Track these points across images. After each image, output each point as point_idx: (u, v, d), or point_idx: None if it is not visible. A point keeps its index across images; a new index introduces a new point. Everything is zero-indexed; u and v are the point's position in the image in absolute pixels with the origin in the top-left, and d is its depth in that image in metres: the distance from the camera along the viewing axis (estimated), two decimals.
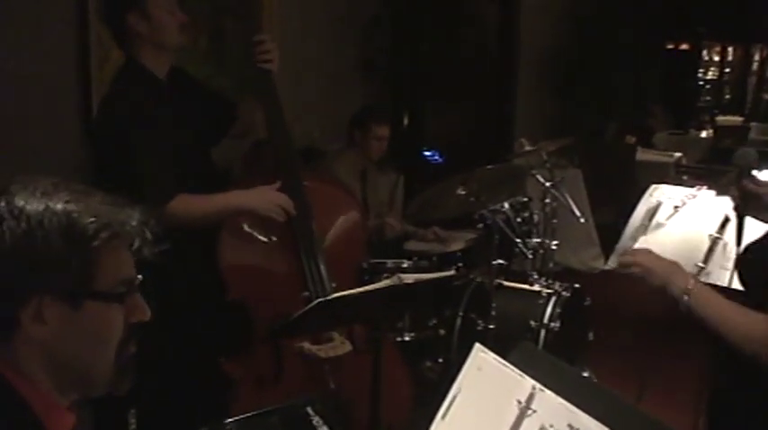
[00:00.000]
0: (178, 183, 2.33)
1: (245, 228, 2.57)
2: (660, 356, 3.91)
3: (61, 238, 1.06)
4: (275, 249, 2.61)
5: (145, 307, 1.18)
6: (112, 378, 1.16)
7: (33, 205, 1.07)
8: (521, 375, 1.36)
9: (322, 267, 2.60)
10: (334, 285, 2.59)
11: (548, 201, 3.92)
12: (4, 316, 1.08)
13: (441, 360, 3.71)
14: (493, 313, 3.53)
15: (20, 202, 1.07)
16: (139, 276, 1.18)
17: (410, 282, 2.18)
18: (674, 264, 1.84)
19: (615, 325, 4.69)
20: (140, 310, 1.18)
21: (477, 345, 1.48)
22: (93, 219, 1.09)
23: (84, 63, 3.62)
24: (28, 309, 1.07)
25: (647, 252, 1.90)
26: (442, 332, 3.67)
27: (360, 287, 2.20)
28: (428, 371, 3.71)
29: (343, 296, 2.11)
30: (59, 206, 1.08)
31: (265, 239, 2.60)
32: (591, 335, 3.80)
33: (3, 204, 1.07)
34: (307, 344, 2.52)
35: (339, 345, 2.56)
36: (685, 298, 1.76)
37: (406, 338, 3.61)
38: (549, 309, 3.56)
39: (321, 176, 3.23)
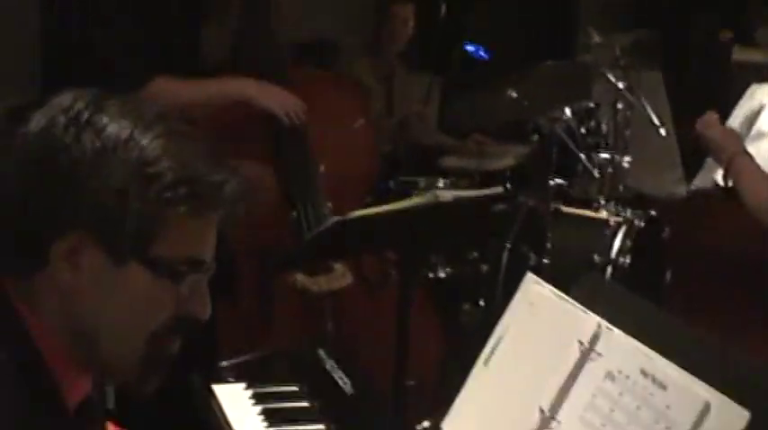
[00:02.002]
0: (155, 62, 2.30)
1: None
2: (756, 306, 3.87)
3: (131, 175, 1.03)
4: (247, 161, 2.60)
5: (206, 301, 1.12)
6: (135, 370, 1.11)
7: (118, 126, 1.05)
8: (583, 311, 1.35)
9: (313, 180, 2.58)
10: (329, 205, 2.58)
11: (620, 107, 3.85)
12: (34, 242, 1.05)
13: (482, 302, 3.72)
14: (548, 245, 3.52)
15: (104, 119, 1.05)
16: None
17: (448, 199, 2.16)
18: (731, 133, 2.27)
19: (700, 263, 4.66)
20: (199, 303, 1.11)
21: (530, 276, 1.47)
22: (173, 165, 1.04)
23: None
24: (64, 243, 1.04)
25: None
26: (484, 268, 3.68)
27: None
28: (466, 315, 3.72)
29: (364, 216, 2.09)
30: (146, 139, 1.05)
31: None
32: (669, 276, 3.79)
33: (87, 114, 1.05)
34: (300, 276, 2.50)
35: (339, 277, 2.54)
36: (725, 164, 2.19)
37: (441, 275, 3.62)
38: (617, 242, 3.53)
39: (313, 70, 3.18)
